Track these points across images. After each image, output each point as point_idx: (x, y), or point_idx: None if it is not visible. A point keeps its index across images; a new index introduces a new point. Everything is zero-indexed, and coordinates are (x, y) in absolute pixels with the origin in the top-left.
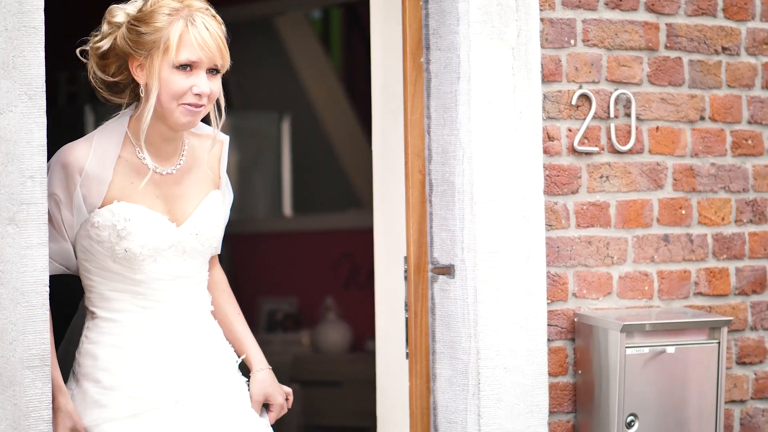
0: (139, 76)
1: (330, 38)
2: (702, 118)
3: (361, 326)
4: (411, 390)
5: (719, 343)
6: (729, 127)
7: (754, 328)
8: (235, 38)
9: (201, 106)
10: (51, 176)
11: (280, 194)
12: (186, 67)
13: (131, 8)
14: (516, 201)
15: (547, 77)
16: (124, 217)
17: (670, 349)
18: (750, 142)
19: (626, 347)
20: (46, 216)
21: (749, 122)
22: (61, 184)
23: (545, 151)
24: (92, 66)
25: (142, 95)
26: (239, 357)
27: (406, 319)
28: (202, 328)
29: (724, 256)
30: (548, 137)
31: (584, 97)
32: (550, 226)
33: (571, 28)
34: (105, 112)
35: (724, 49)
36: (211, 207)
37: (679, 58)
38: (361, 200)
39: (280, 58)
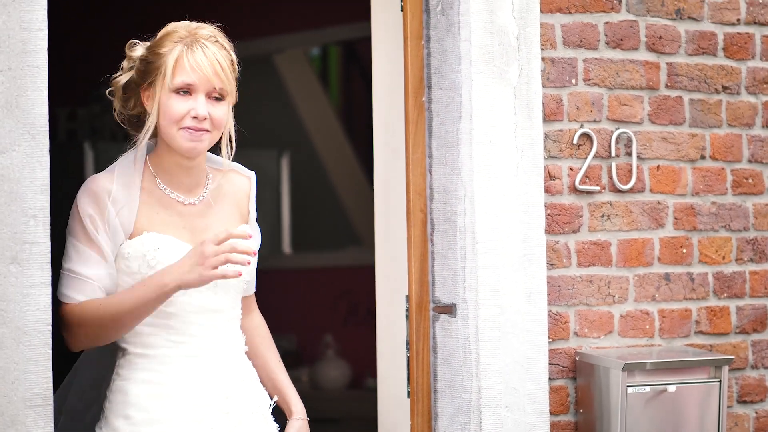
0: (148, 106)
1: (328, 76)
2: (703, 157)
3: (360, 363)
4: (413, 428)
5: (720, 381)
6: (729, 165)
7: (754, 367)
8: None
9: (202, 130)
10: (81, 205)
11: (279, 231)
12: (184, 91)
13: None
14: (517, 240)
15: (549, 116)
16: (153, 246)
17: (672, 388)
18: (750, 180)
19: (628, 386)
20: (49, 255)
21: (750, 161)
22: (94, 206)
23: (546, 190)
24: (116, 102)
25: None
26: (272, 401)
27: (408, 357)
28: (236, 366)
29: (725, 294)
30: (549, 176)
31: (585, 135)
32: (552, 264)
33: (573, 68)
34: (105, 149)
35: (724, 88)
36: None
37: (680, 97)
38: (360, 237)
39: (280, 95)
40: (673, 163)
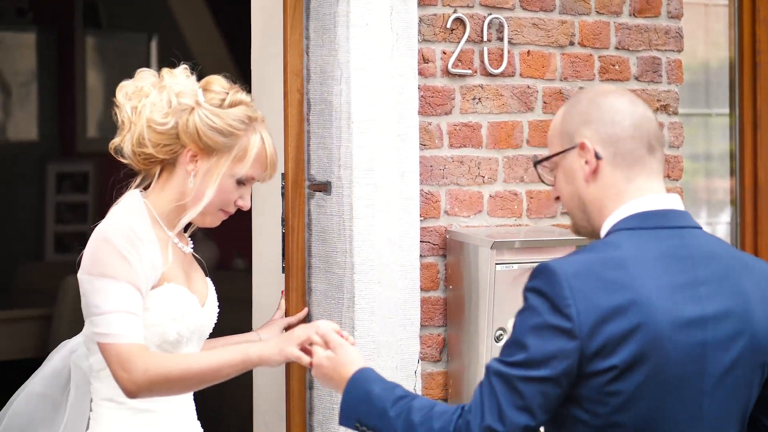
0: (194, 168)
1: None
2: (572, 44)
3: (228, 244)
4: (288, 303)
5: None
6: (597, 52)
7: None
8: None
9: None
10: (114, 242)
11: None
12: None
13: (188, 85)
14: (392, 121)
15: (423, 1)
16: (176, 299)
17: None
18: (617, 67)
19: (496, 264)
20: None
21: (617, 48)
22: (129, 244)
23: (420, 73)
24: (145, 137)
25: (191, 185)
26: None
27: (284, 234)
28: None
29: None
30: (423, 59)
31: (459, 20)
32: (424, 145)
33: None
34: None
35: None
36: (213, 288)
37: None
38: None
39: None
40: (543, 48)
